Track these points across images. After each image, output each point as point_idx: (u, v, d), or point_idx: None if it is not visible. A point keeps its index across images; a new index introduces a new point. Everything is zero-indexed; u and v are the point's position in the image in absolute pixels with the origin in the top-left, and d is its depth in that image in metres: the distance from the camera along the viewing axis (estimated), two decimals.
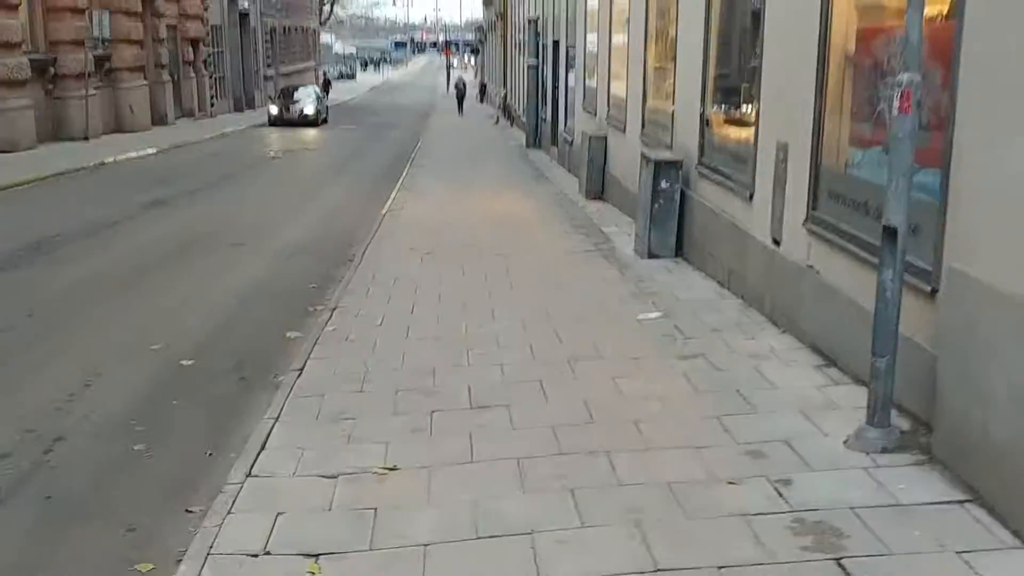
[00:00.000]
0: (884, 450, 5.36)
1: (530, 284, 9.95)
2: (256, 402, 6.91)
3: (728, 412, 6.01)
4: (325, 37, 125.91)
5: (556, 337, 7.89)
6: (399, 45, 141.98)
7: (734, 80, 9.80)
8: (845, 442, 5.49)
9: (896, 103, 5.14)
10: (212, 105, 40.92)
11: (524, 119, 30.11)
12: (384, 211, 15.75)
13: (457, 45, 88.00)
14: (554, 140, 24.41)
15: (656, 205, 10.88)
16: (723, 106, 10.11)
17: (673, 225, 10.94)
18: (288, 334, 8.73)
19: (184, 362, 7.99)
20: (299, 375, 7.16)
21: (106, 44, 30.21)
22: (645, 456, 5.42)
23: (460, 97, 48.44)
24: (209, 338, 8.78)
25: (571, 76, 21.50)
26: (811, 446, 5.46)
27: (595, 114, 17.53)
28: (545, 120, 26.20)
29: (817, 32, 7.21)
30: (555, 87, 24.18)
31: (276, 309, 9.83)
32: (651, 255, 10.99)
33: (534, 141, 27.59)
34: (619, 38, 15.48)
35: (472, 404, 6.38)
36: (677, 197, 10.86)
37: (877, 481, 5.05)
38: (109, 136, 30.18)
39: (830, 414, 5.94)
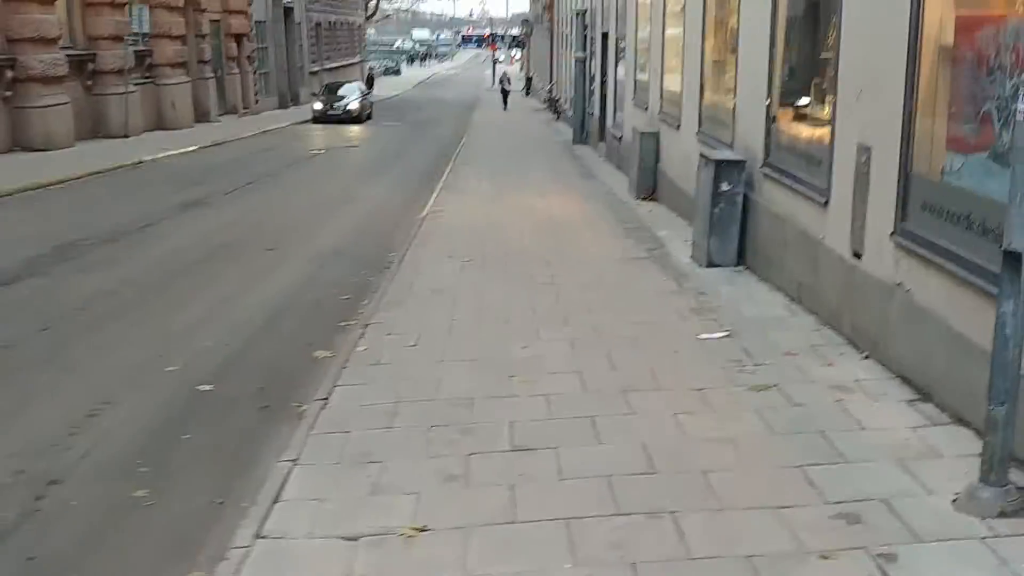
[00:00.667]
0: (1002, 514, 4.53)
1: (578, 297, 9.16)
2: (276, 437, 6.20)
3: (812, 461, 5.19)
4: (389, 34, 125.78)
5: (608, 361, 7.11)
6: (473, 40, 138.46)
7: (806, 74, 8.93)
8: (954, 502, 4.66)
9: (1020, 106, 4.30)
10: (256, 102, 40.51)
11: (571, 114, 29.29)
12: (425, 213, 15.04)
13: (503, 39, 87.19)
14: (602, 136, 23.58)
15: (716, 209, 10.04)
16: (792, 102, 9.23)
17: (735, 231, 10.10)
18: (316, 354, 8.02)
19: (201, 387, 7.30)
20: (324, 405, 6.44)
21: (146, 39, 29.86)
22: (718, 519, 4.63)
23: (504, 92, 47.53)
24: (231, 358, 8.10)
25: (620, 70, 20.66)
26: (915, 508, 4.63)
27: (646, 109, 16.69)
28: (592, 115, 25.38)
29: (907, 21, 6.36)
30: (603, 81, 23.35)
31: (305, 324, 9.15)
32: (710, 264, 10.16)
33: (581, 137, 26.77)
34: (673, 29, 14.62)
35: (514, 445, 5.62)
36: (740, 201, 10.01)
37: (998, 555, 4.23)
38: (150, 133, 29.80)
39: (932, 464, 5.10)
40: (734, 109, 10.80)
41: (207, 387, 7.31)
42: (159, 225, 14.88)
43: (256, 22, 41.58)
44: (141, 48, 30.18)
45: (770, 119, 9.57)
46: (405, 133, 33.79)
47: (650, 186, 15.53)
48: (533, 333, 7.95)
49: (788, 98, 9.32)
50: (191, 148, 26.95)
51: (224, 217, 15.73)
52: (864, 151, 7.08)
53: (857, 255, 7.22)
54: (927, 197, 6.21)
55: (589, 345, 7.53)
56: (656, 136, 15.40)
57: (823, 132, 8.16)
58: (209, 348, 8.34)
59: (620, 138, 19.77)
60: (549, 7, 43.58)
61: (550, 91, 41.73)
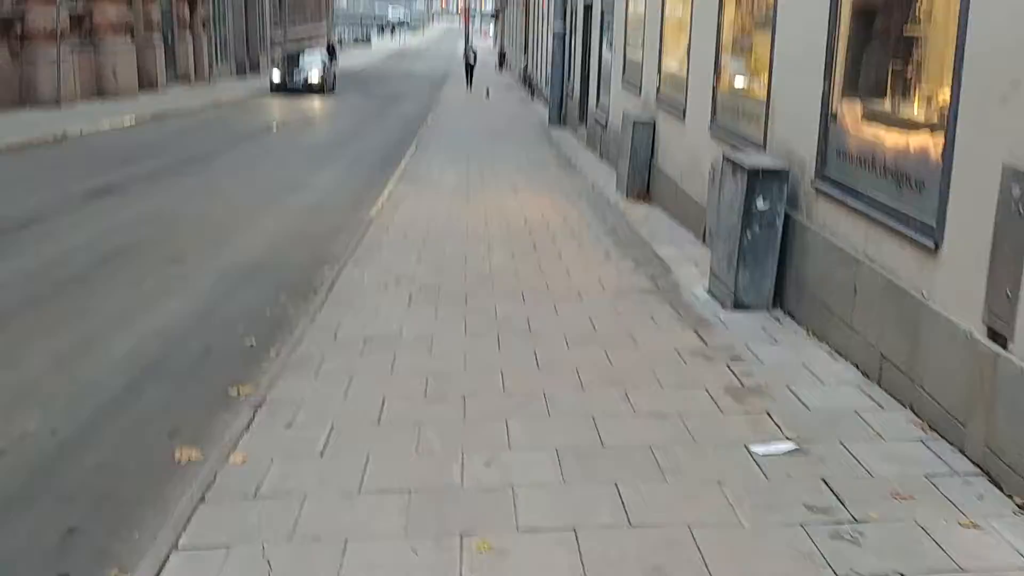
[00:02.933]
0: None
1: (564, 358, 6.48)
2: None
3: None
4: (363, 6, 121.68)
5: (620, 504, 4.42)
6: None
7: (888, 53, 6.26)
8: None
9: None
10: (210, 70, 37.40)
11: (547, 93, 26.50)
12: (375, 211, 12.32)
13: (477, 11, 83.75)
14: (582, 118, 20.87)
15: (748, 233, 7.39)
16: (866, 93, 6.57)
17: (772, 263, 7.47)
18: (178, 455, 5.33)
19: None
20: None
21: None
22: None
23: (468, 67, 39.99)
24: (51, 461, 5.36)
25: (606, 46, 17.93)
26: None
27: (639, 93, 13.99)
28: (572, 95, 22.63)
29: None
30: (585, 58, 20.58)
31: (180, 391, 6.42)
32: (738, 304, 7.53)
33: (559, 118, 24.02)
34: None
35: None
36: (779, 223, 7.38)
37: None
38: (87, 103, 26.82)
39: None
40: (769, 99, 8.13)
41: None
42: (50, 220, 12.09)
43: None
44: (79, 10, 27.14)
45: (827, 115, 6.92)
46: (368, 108, 30.90)
47: (643, 184, 12.89)
48: (500, 432, 5.27)
49: (858, 87, 6.66)
50: (127, 120, 24.01)
51: (133, 211, 12.92)
52: (1018, 180, 4.46)
53: (998, 338, 4.61)
54: None
55: (587, 463, 4.85)
56: (652, 126, 12.74)
57: (927, 141, 5.52)
58: (27, 438, 5.61)
59: (605, 123, 17.07)
60: None
61: (524, 67, 38.88)
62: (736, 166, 7.58)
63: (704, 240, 9.84)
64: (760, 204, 7.32)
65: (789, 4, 7.74)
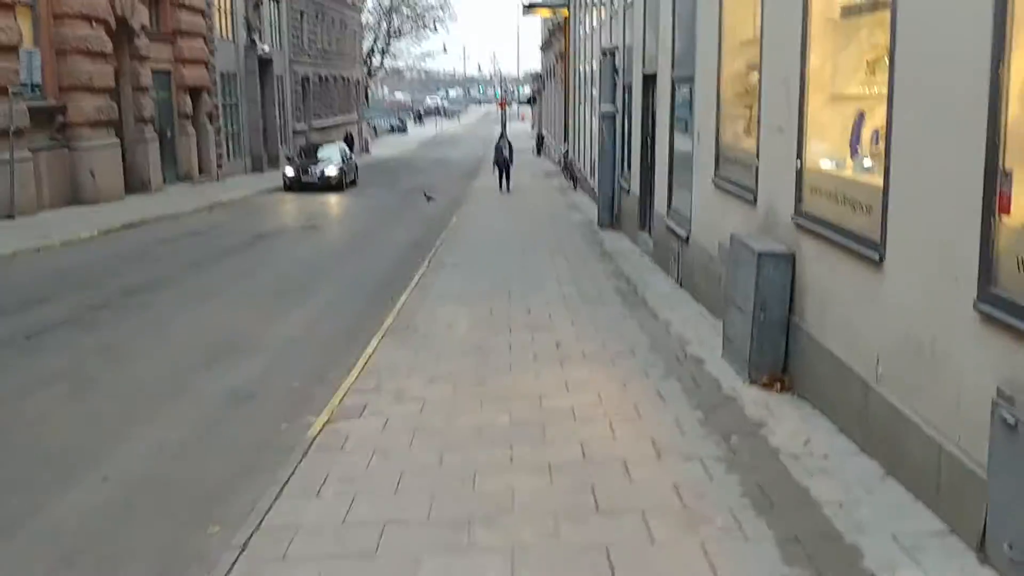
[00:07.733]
0: None
1: None
2: None
3: None
4: (401, 91, 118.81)
5: None
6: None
7: None
8: None
9: None
10: (220, 166, 32.64)
11: (595, 187, 21.19)
12: (324, 418, 6.97)
13: (514, 95, 79.29)
14: (643, 223, 15.44)
15: None
16: None
17: None
18: None
19: None
20: None
21: (36, 90, 21.87)
22: None
23: (503, 165, 29.04)
24: None
25: (679, 128, 12.60)
26: None
27: (753, 201, 8.54)
28: (627, 191, 17.26)
29: None
30: (646, 144, 15.23)
31: None
32: None
33: (610, 218, 18.68)
34: (846, 40, 6.56)
35: None
36: None
37: None
38: (55, 211, 21.93)
39: None
40: None
41: None
42: None
43: (224, 75, 33.87)
44: (49, 103, 22.43)
45: None
46: (387, 205, 25.87)
47: (777, 359, 7.38)
48: None
49: None
50: (87, 234, 18.98)
51: None
52: None
53: None
54: None
55: None
56: (789, 262, 7.28)
57: None
58: None
59: (686, 238, 11.61)
60: (563, 55, 35.72)
61: (565, 154, 33.77)
62: None
63: (981, 550, 4.29)
64: None
65: None
